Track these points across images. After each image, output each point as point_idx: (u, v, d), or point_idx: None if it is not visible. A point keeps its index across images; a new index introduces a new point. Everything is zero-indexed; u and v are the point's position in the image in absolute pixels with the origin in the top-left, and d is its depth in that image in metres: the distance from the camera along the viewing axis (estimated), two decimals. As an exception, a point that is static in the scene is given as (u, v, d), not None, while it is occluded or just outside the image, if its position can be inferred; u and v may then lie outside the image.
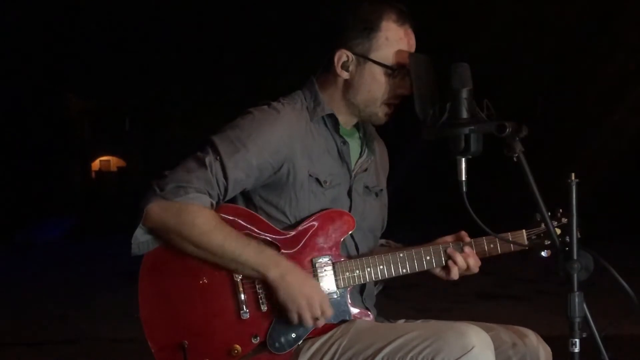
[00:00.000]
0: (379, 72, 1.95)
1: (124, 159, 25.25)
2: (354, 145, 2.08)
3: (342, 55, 1.97)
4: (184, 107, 19.96)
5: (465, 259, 1.97)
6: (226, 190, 1.88)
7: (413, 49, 1.97)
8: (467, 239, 2.01)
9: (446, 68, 1.72)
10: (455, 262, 1.96)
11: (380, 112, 1.99)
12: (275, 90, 2.19)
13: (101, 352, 4.87)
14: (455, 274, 1.98)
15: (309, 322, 1.85)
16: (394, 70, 1.95)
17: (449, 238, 2.04)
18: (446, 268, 1.99)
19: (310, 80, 2.05)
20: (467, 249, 1.98)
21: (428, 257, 1.98)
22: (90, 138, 24.10)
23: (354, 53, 1.96)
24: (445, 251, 1.98)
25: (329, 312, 1.88)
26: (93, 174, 24.93)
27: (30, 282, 8.58)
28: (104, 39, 17.69)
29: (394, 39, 1.95)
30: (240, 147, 1.88)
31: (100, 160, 25.40)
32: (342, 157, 2.03)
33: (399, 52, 1.94)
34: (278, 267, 1.84)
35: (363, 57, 1.95)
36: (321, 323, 1.88)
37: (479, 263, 2.00)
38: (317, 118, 2.00)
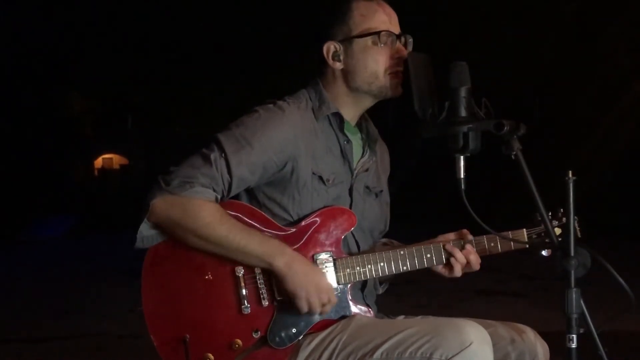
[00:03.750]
0: (366, 44, 1.98)
1: (127, 156, 25.22)
2: (356, 145, 2.10)
3: (330, 47, 2.01)
4: (186, 106, 19.95)
5: (466, 256, 1.98)
6: (230, 186, 1.90)
7: (394, 18, 2.02)
8: (469, 237, 2.02)
9: (445, 67, 1.73)
10: (455, 259, 1.98)
11: (388, 83, 2.00)
12: (277, 89, 2.21)
13: (104, 347, 4.89)
14: (457, 271, 1.99)
15: (317, 308, 1.87)
16: (379, 36, 1.97)
17: (451, 235, 2.05)
18: (448, 265, 2.00)
19: (315, 80, 2.07)
20: (468, 246, 1.99)
21: (429, 255, 1.99)
22: (93, 136, 24.06)
23: (338, 41, 2.00)
24: (444, 248, 1.99)
25: (334, 299, 1.91)
26: (96, 172, 24.90)
27: (33, 279, 8.62)
28: (107, 37, 17.70)
29: (368, 13, 1.99)
30: (245, 145, 1.90)
31: (103, 158, 25.36)
32: (345, 155, 2.05)
33: (378, 20, 1.99)
34: (283, 256, 1.86)
35: (347, 40, 1.99)
36: (328, 309, 1.90)
37: (479, 260, 2.00)
38: (322, 117, 2.02)
